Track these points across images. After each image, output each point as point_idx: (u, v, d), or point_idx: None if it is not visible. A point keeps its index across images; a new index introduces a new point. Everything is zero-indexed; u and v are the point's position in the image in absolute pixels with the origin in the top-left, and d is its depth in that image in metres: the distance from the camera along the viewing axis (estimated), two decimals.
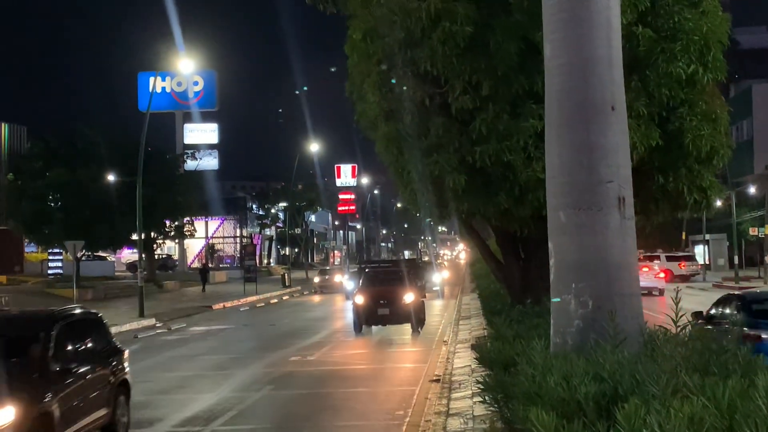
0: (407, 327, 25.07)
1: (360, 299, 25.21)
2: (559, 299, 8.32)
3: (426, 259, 72.05)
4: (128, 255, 71.12)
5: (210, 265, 73.48)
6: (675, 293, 7.67)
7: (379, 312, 24.74)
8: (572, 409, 5.49)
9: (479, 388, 9.62)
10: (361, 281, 27.49)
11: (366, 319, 24.96)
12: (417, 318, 24.81)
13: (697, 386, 5.28)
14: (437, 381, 15.36)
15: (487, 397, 9.20)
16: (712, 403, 4.80)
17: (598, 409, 5.49)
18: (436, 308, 34.55)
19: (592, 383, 5.78)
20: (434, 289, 43.13)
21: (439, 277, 47.10)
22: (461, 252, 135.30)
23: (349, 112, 16.56)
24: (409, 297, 24.97)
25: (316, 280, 55.50)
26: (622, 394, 5.58)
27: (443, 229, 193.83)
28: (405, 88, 13.74)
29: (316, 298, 48.11)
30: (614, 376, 5.97)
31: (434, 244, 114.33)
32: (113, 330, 28.08)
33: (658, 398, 5.29)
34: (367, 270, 29.17)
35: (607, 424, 5.01)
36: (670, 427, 4.38)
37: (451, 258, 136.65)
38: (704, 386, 5.27)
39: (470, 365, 15.11)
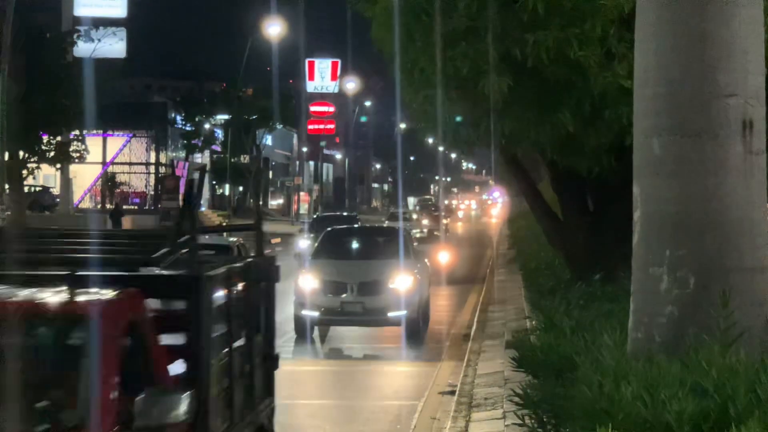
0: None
1: (308, 282, 22.24)
2: (644, 273, 8.41)
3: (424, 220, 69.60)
4: None
5: (109, 206, 73.60)
6: None
7: (345, 305, 21.91)
8: None
9: (515, 403, 9.78)
10: (314, 250, 24.86)
11: (319, 316, 21.88)
12: (412, 317, 21.86)
13: None
14: (451, 393, 15.54)
15: (527, 418, 9.36)
16: None
17: None
18: (450, 288, 34.75)
19: (689, 398, 5.87)
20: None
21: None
22: (492, 203, 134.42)
23: None
24: (402, 280, 22.02)
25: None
26: (735, 415, 5.67)
27: (471, 166, 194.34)
28: None
29: None
30: (723, 388, 6.06)
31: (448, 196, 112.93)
32: None
33: None
34: (328, 232, 27.09)
35: None
36: None
37: (473, 210, 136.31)
38: None
39: (503, 371, 15.28)
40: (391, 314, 21.37)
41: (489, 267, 41.39)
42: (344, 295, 21.43)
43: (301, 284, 21.81)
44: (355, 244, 25.89)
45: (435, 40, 14.06)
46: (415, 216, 70.56)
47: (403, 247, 23.52)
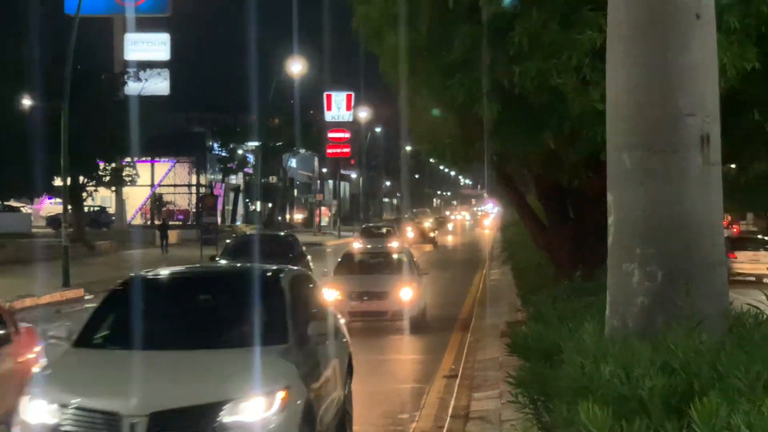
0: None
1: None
2: (618, 270, 8.40)
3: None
4: (49, 207, 71.32)
5: (156, 222, 73.66)
6: None
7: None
8: (633, 407, 5.57)
9: (510, 383, 9.77)
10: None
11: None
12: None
13: None
14: (454, 377, 15.54)
15: (519, 396, 9.34)
16: None
17: (666, 407, 5.57)
18: (451, 285, 34.73)
19: (659, 375, 5.85)
20: None
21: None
22: (483, 214, 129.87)
23: (347, 24, 16.49)
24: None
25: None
26: (699, 389, 5.65)
27: (467, 182, 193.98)
28: None
29: None
30: (689, 366, 6.05)
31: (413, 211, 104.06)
32: (27, 302, 28.43)
33: (745, 395, 5.35)
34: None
35: (679, 425, 5.08)
36: (761, 430, 4.44)
37: (467, 220, 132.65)
38: None
39: (498, 357, 15.27)
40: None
41: (487, 265, 41.44)
42: None
43: None
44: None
45: (434, 72, 14.07)
46: (385, 230, 56.68)
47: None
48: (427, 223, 75.56)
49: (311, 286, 12.09)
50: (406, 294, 21.39)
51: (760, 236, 48.09)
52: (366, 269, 23.69)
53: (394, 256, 24.22)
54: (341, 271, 23.19)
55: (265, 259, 22.61)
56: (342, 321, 12.90)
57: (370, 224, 66.65)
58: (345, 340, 12.36)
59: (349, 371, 12.22)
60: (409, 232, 63.14)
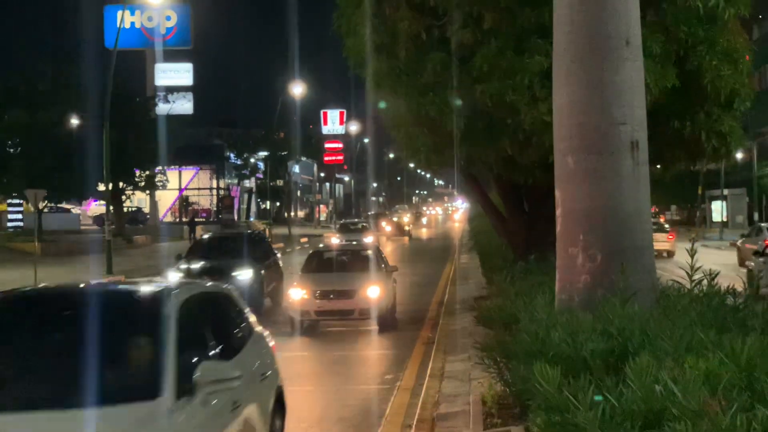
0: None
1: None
2: (565, 253, 8.38)
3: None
4: (95, 208, 71.01)
5: (184, 219, 73.47)
6: (691, 245, 7.73)
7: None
8: (578, 366, 5.56)
9: (477, 348, 9.74)
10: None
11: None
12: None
13: (713, 343, 5.34)
14: (431, 343, 15.48)
15: (485, 358, 9.32)
16: (730, 360, 4.85)
17: (605, 366, 5.56)
18: (430, 269, 34.67)
19: (599, 339, 5.84)
20: None
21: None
22: (454, 209, 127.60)
23: (338, 53, 16.45)
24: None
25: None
26: (632, 351, 5.64)
27: (440, 182, 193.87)
28: (399, 19, 13.65)
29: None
30: (623, 332, 6.04)
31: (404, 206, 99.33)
32: None
33: (671, 355, 5.34)
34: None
35: (616, 380, 5.07)
36: (684, 383, 4.43)
37: (433, 215, 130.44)
38: (721, 343, 5.32)
39: (468, 327, 15.22)
40: None
41: (457, 250, 41.36)
42: None
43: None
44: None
45: (411, 92, 14.02)
46: (361, 226, 49.71)
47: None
48: (405, 218, 71.63)
49: (225, 308, 7.57)
50: (373, 292, 17.84)
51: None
52: (333, 267, 19.84)
53: (362, 253, 20.29)
54: (308, 269, 19.45)
55: (232, 258, 21.08)
56: (271, 344, 8.35)
57: (347, 220, 59.78)
58: (268, 373, 7.63)
59: (280, 412, 7.75)
60: (386, 227, 60.11)
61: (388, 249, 41.31)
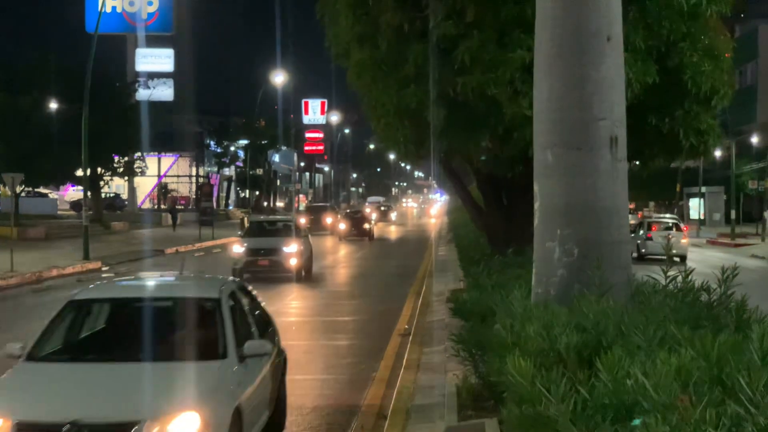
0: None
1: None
2: (542, 247, 8.41)
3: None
4: (72, 193, 70.59)
5: (163, 206, 73.18)
6: (666, 242, 7.78)
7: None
8: (552, 359, 5.59)
9: (452, 340, 9.77)
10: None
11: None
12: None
13: (686, 338, 5.38)
14: (407, 335, 15.51)
15: (461, 350, 9.36)
16: (701, 356, 4.89)
17: (579, 360, 5.59)
18: (408, 260, 34.70)
19: (573, 333, 5.86)
20: None
21: None
22: (429, 204, 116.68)
23: (320, 43, 16.42)
24: None
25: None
26: (606, 345, 5.67)
27: (420, 174, 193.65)
28: (382, 10, 13.62)
29: None
30: (598, 326, 6.06)
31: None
32: (54, 272, 28.16)
33: (643, 349, 5.39)
34: None
35: (589, 373, 5.11)
36: (656, 378, 4.47)
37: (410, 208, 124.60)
38: (693, 339, 5.36)
39: (444, 318, 15.26)
40: None
41: (435, 242, 41.33)
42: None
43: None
44: None
45: (392, 83, 14.01)
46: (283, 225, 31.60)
47: None
48: (366, 212, 57.29)
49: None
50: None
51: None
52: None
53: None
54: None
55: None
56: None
57: (264, 218, 39.82)
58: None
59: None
60: (340, 225, 51.14)
61: (328, 260, 36.03)
